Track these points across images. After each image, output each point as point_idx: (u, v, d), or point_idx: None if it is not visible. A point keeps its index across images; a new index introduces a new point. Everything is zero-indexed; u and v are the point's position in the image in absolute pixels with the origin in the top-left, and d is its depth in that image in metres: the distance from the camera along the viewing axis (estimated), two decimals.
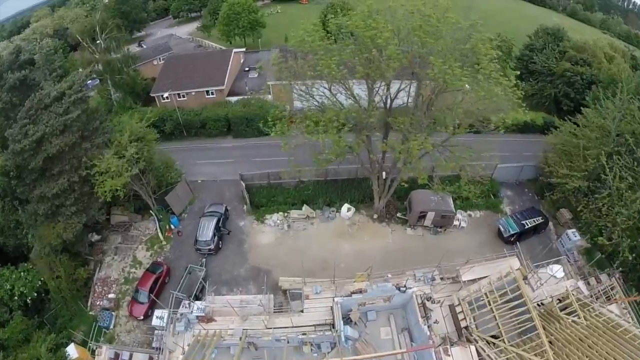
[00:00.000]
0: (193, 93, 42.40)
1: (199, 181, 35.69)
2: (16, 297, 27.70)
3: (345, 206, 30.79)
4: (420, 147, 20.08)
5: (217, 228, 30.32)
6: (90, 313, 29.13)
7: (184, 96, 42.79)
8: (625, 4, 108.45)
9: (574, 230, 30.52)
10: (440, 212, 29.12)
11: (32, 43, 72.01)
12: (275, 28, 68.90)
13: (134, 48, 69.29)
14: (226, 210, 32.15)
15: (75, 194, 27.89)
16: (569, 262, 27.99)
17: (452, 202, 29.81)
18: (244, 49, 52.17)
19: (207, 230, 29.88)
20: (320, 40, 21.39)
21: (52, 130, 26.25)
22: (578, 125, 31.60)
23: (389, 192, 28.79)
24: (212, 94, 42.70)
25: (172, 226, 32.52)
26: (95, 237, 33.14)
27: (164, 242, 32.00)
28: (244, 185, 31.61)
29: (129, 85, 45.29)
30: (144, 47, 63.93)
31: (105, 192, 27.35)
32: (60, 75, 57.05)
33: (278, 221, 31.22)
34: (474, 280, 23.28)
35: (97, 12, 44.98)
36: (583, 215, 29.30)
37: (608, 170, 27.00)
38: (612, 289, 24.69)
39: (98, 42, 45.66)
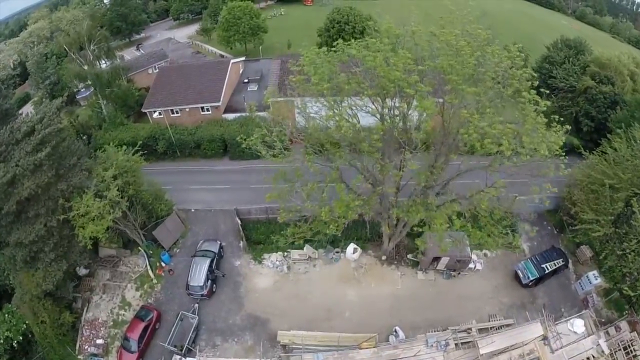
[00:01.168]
0: (187, 109, 37.99)
1: (192, 210, 31.67)
2: (2, 341, 24.60)
3: (351, 246, 26.78)
4: (446, 223, 15.99)
5: (211, 270, 26.49)
6: (79, 357, 25.87)
7: (177, 112, 38.38)
8: (635, 7, 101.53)
9: (594, 272, 26.81)
10: (455, 257, 25.19)
11: (27, 46, 67.49)
12: (279, 31, 63.76)
13: (132, 52, 64.61)
14: (221, 247, 28.21)
15: (54, 239, 24.29)
16: (591, 316, 24.65)
17: (468, 245, 25.81)
18: (243, 58, 47.29)
19: (199, 273, 26.05)
20: (328, 82, 16.91)
21: (22, 171, 22.27)
22: (605, 153, 27.51)
23: (400, 235, 24.79)
24: (208, 110, 38.28)
25: (163, 263, 28.71)
26: (83, 271, 29.51)
27: (154, 281, 28.22)
28: (239, 222, 27.58)
29: (121, 98, 40.93)
30: (142, 52, 59.08)
31: (86, 237, 23.75)
32: (53, 82, 53.09)
33: (277, 262, 27.30)
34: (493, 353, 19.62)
35: (83, 21, 40.09)
36: (607, 261, 25.83)
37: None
38: (631, 342, 22.22)
39: (92, 49, 40.99)
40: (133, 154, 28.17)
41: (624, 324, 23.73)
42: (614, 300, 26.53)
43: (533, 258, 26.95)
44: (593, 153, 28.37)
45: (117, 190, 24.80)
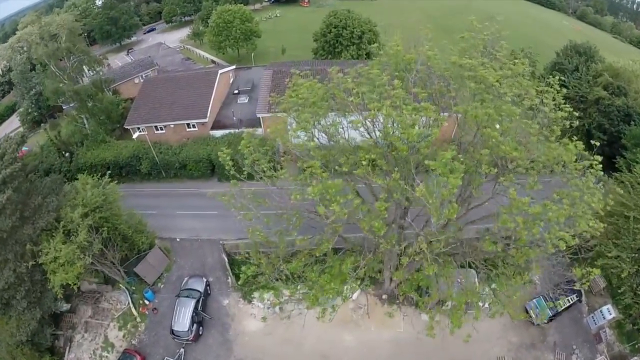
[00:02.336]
0: (172, 126, 34.34)
1: (178, 240, 28.41)
2: None
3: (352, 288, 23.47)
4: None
5: (196, 312, 23.38)
6: None
7: (162, 129, 34.74)
8: (635, 6, 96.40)
9: (608, 306, 23.91)
10: None
11: (17, 52, 63.08)
12: (273, 35, 59.66)
13: (122, 57, 60.50)
14: (207, 285, 25.03)
15: (25, 285, 21.57)
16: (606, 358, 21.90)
17: (477, 281, 22.72)
18: (233, 67, 43.43)
19: (183, 317, 22.95)
20: (310, 140, 13.35)
21: None
22: (622, 173, 24.39)
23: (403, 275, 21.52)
24: (194, 126, 34.63)
25: (147, 301, 25.54)
26: (64, 306, 26.36)
27: (138, 320, 25.13)
28: (226, 260, 24.30)
29: (104, 112, 37.21)
30: (132, 58, 54.93)
31: (56, 286, 20.71)
32: (38, 93, 49.09)
33: (268, 302, 24.12)
34: None
35: (60, 37, 36.14)
36: (624, 298, 22.83)
37: None
38: None
39: (72, 61, 36.94)
40: (110, 182, 24.89)
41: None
42: (626, 333, 23.71)
43: (545, 295, 23.85)
44: (611, 176, 25.13)
45: (90, 229, 21.68)
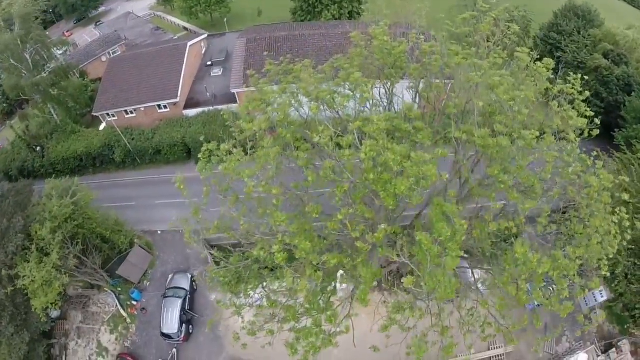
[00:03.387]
0: (142, 109, 30.83)
1: (159, 232, 26.68)
2: None
3: (339, 275, 21.79)
4: None
5: (184, 311, 22.05)
6: None
7: (132, 112, 31.28)
8: None
9: (601, 289, 22.91)
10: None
11: None
12: None
13: (91, 31, 54.59)
14: (193, 281, 23.54)
15: (9, 310, 20.33)
16: (595, 351, 22.13)
17: (469, 267, 20.95)
18: (205, 35, 38.74)
19: (171, 318, 22.04)
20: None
21: None
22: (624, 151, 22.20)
23: (395, 265, 19.82)
24: (166, 107, 31.14)
25: (134, 301, 24.15)
26: (55, 313, 25.04)
27: (128, 321, 24.02)
28: (210, 258, 22.36)
29: (72, 99, 33.49)
30: (100, 33, 49.30)
31: (39, 309, 19.79)
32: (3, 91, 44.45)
33: (256, 296, 22.55)
34: None
35: (15, 25, 31.24)
36: (618, 287, 22.38)
37: None
38: None
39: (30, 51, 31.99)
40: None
41: (625, 346, 21.93)
42: (615, 314, 23.46)
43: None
44: (610, 154, 22.66)
45: (64, 241, 20.11)
